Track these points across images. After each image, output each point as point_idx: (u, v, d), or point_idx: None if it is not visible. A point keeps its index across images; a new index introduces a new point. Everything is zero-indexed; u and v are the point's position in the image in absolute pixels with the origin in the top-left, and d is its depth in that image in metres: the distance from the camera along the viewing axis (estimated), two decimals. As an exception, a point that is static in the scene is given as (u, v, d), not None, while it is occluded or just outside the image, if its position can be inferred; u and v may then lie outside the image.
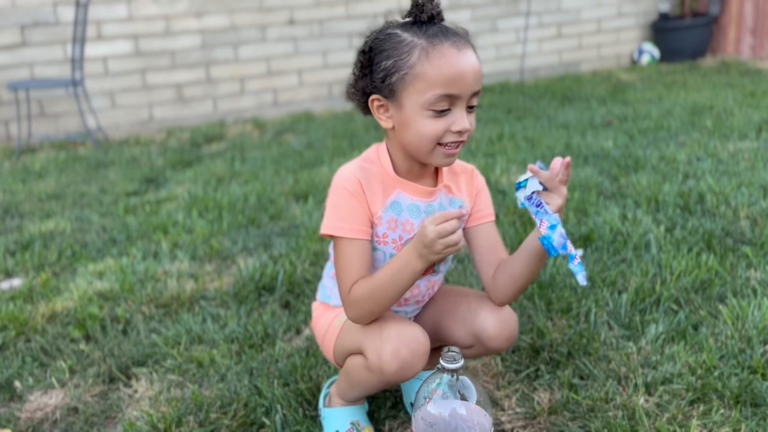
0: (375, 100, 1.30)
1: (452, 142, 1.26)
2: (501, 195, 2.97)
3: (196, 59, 5.66)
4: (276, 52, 5.90)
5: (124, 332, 2.04)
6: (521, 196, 1.28)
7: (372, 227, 1.35)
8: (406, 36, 1.25)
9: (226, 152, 4.35)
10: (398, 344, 1.26)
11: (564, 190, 1.27)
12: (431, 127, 1.24)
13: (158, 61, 5.55)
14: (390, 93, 1.27)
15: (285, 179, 3.53)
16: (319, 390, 1.64)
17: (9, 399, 1.75)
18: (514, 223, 2.61)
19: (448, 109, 1.23)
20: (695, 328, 1.82)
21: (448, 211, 1.20)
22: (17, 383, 1.79)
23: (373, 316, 1.31)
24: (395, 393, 1.65)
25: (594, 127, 4.23)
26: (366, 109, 1.35)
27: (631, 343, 1.76)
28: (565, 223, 2.57)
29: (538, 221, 1.23)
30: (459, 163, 1.47)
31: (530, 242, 1.32)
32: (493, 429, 1.21)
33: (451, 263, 1.50)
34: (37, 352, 1.93)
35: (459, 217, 1.19)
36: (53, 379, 1.80)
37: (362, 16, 6.05)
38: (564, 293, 2.03)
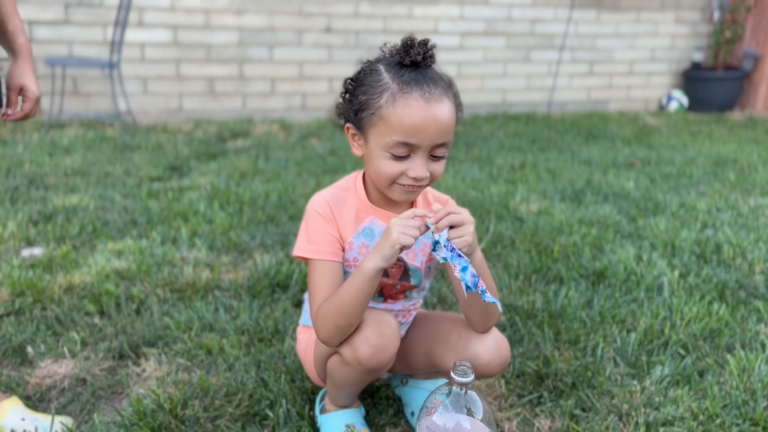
0: (349, 128, 1.36)
1: (409, 185, 1.30)
2: (519, 222, 2.99)
3: (231, 55, 5.75)
4: (310, 57, 5.98)
5: (138, 312, 2.07)
6: (439, 254, 1.27)
7: (343, 250, 1.38)
8: (384, 76, 1.28)
9: (251, 149, 4.41)
10: (366, 331, 1.30)
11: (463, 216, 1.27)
12: (388, 167, 1.28)
13: (194, 53, 5.64)
14: (360, 126, 1.32)
15: (306, 182, 3.58)
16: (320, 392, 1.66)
17: (20, 363, 1.78)
18: (530, 251, 2.63)
19: (408, 155, 1.27)
20: (701, 374, 1.83)
21: (414, 210, 1.26)
22: (29, 349, 1.82)
23: (340, 333, 1.31)
24: (397, 401, 1.67)
25: (616, 167, 4.25)
26: (342, 128, 1.40)
27: (635, 382, 1.77)
28: (580, 257, 2.59)
29: (452, 264, 1.24)
30: (435, 194, 1.50)
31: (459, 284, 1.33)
32: (495, 446, 1.23)
33: (426, 285, 1.53)
34: (52, 321, 1.97)
35: (422, 221, 1.25)
36: (65, 349, 1.83)
37: (399, 32, 6.12)
38: (573, 325, 2.04)
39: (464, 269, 1.23)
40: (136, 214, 2.90)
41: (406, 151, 1.26)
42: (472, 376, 1.21)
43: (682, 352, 1.94)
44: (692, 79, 7.25)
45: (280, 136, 5.01)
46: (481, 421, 1.23)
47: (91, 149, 4.20)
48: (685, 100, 7.26)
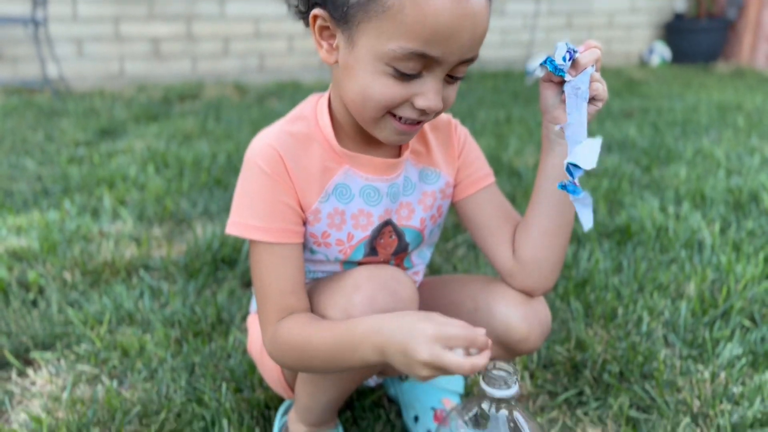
0: (318, 18, 0.82)
1: (409, 120, 0.82)
2: (516, 177, 2.52)
3: (177, 11, 5.13)
4: (266, 12, 5.40)
5: (34, 303, 1.55)
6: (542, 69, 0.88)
7: (304, 223, 0.90)
8: None
9: (199, 111, 3.85)
10: (372, 290, 0.83)
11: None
12: (385, 90, 0.79)
13: (134, 10, 5.01)
14: (342, 17, 0.79)
15: (263, 142, 3.05)
16: (283, 403, 1.18)
17: None
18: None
19: (419, 74, 0.78)
20: (782, 352, 1.39)
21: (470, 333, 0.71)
22: None
23: (295, 370, 0.94)
24: (386, 410, 1.20)
25: (612, 117, 3.81)
26: (303, 17, 0.87)
27: (701, 366, 1.33)
28: (595, 212, 2.14)
29: (572, 117, 0.84)
30: (432, 122, 1.01)
31: (551, 165, 0.92)
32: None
33: (429, 253, 1.05)
34: None
35: (476, 343, 0.71)
36: None
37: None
38: (605, 295, 1.59)
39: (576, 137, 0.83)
40: (49, 182, 2.35)
41: (419, 67, 0.77)
42: (516, 387, 0.74)
43: (747, 323, 1.50)
44: (675, 30, 6.84)
45: (234, 98, 4.46)
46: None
47: (11, 115, 3.60)
48: (667, 53, 6.86)
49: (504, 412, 0.74)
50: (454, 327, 0.71)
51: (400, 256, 0.99)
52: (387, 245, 0.95)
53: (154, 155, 2.68)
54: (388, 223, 0.94)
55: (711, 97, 4.44)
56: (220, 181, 2.37)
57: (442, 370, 0.70)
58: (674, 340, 1.43)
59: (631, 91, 4.78)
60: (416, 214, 0.96)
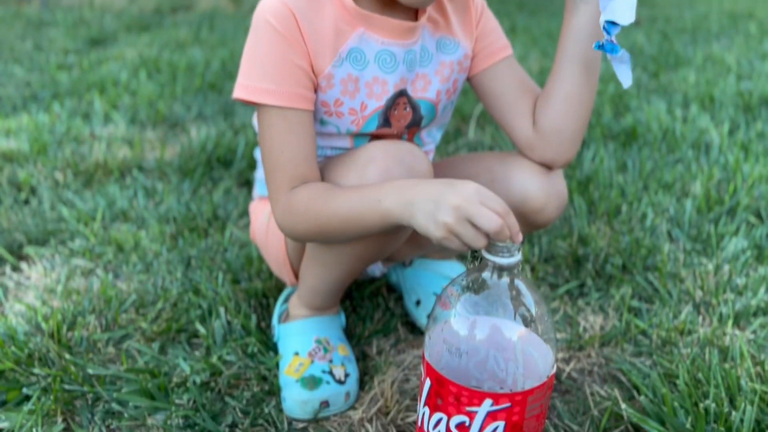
0: None
1: None
2: (520, 81, 2.45)
3: None
4: None
5: (26, 202, 1.53)
6: None
7: (315, 90, 0.84)
8: None
9: (193, 22, 3.72)
10: (386, 163, 0.79)
11: None
12: None
13: None
14: None
15: (259, 50, 2.96)
16: (282, 293, 1.16)
17: None
18: (538, 112, 2.11)
19: None
20: (788, 246, 1.37)
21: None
22: None
23: (307, 240, 0.87)
24: (385, 300, 1.18)
25: (620, 26, 3.68)
26: None
27: (705, 260, 1.31)
28: (600, 116, 2.08)
29: None
30: None
31: (575, 26, 0.86)
32: (555, 368, 0.75)
33: (439, 136, 1.01)
34: None
35: (509, 217, 0.68)
36: None
37: None
38: (609, 193, 1.56)
39: None
40: (38, 88, 2.28)
41: None
42: (519, 255, 0.71)
43: (753, 220, 1.47)
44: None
45: (229, 9, 4.30)
46: (531, 328, 0.75)
47: (-2, 26, 3.49)
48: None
49: (505, 279, 0.71)
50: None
51: (412, 130, 0.95)
52: (401, 117, 0.91)
53: (145, 61, 2.60)
54: (402, 94, 0.89)
55: (722, 5, 4.28)
56: (215, 86, 2.30)
57: (468, 223, 0.67)
58: (678, 235, 1.40)
59: (639, 1, 4.61)
60: (432, 86, 0.92)
